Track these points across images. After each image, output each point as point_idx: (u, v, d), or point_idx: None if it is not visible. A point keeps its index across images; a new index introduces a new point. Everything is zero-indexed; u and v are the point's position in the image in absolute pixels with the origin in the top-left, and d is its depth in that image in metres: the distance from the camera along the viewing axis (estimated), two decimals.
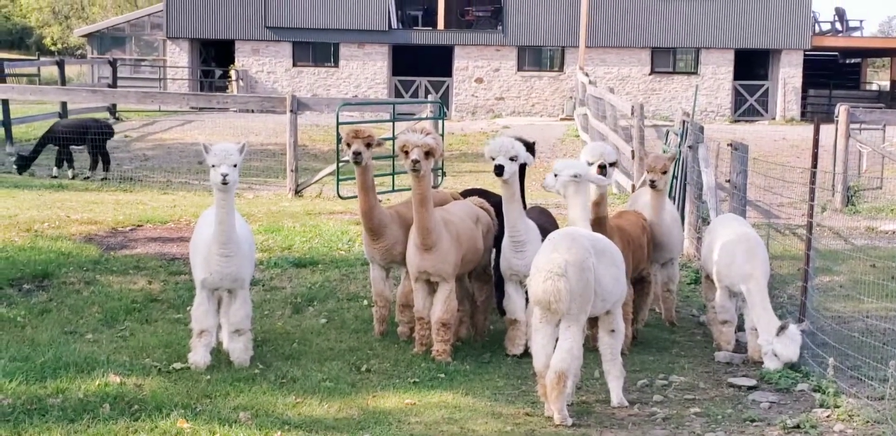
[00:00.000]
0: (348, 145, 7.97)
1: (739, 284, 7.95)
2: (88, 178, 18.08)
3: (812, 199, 7.88)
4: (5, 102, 22.48)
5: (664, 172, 8.71)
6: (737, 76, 34.86)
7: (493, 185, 16.07)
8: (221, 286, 7.37)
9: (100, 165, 18.38)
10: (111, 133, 19.47)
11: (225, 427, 6.05)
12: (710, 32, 34.32)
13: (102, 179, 17.93)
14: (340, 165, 15.45)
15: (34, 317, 8.64)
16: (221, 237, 7.17)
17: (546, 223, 8.35)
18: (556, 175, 7.25)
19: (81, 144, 18.54)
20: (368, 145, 7.92)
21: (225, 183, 7.01)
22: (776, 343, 7.49)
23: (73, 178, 18.03)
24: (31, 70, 34.42)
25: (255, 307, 8.12)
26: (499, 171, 7.46)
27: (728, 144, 10.90)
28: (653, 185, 8.69)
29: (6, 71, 25.47)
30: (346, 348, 8.06)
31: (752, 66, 35.61)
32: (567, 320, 6.40)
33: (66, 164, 18.44)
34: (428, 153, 7.57)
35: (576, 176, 7.17)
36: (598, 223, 7.90)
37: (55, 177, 17.93)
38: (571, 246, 6.43)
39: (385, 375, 7.44)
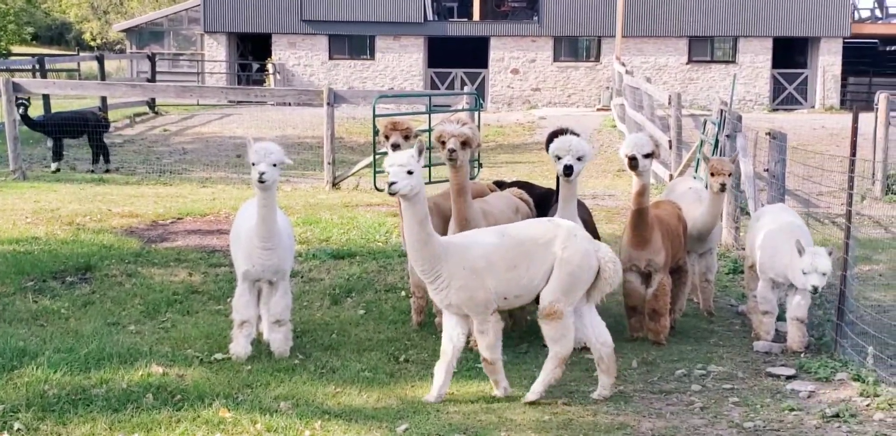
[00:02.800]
0: (386, 137, 8.00)
1: (786, 275, 7.89)
2: (93, 171, 18.06)
3: (851, 187, 7.82)
4: (46, 97, 22.76)
5: (730, 175, 8.66)
6: (775, 65, 34.56)
7: (528, 176, 16.09)
8: (262, 278, 7.45)
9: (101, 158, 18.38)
10: (107, 126, 19.57)
11: (266, 416, 6.13)
12: (748, 21, 34.02)
13: (106, 172, 18.00)
14: (377, 157, 15.52)
15: (77, 309, 8.78)
16: (263, 232, 7.24)
17: (584, 215, 8.34)
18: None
19: (76, 136, 18.58)
20: (406, 137, 7.95)
21: (262, 181, 7.05)
22: (804, 261, 7.51)
23: (57, 171, 17.75)
24: (71, 65, 34.79)
25: (294, 299, 8.20)
26: (568, 171, 7.33)
27: (766, 133, 10.85)
28: (723, 189, 8.62)
29: (46, 66, 25.76)
30: (385, 339, 8.12)
31: (791, 54, 35.28)
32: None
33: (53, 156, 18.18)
34: (465, 143, 7.59)
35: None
36: (640, 214, 7.90)
37: (56, 171, 17.75)
38: None
39: (423, 365, 7.48)
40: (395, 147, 7.88)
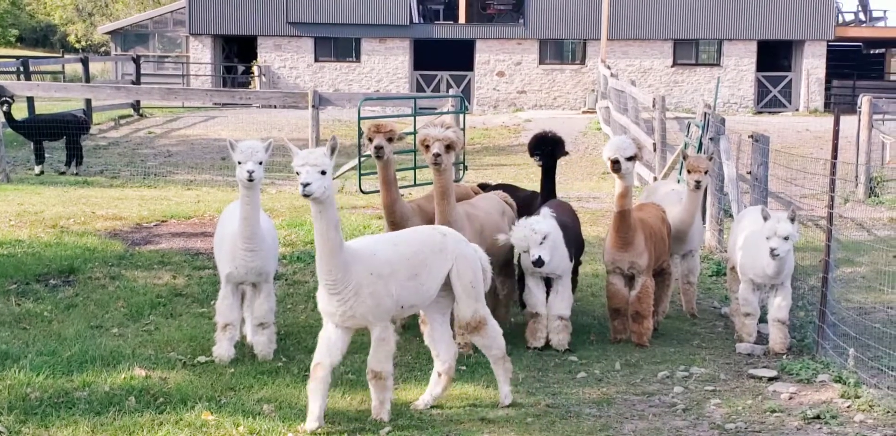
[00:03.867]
0: (370, 140, 8.00)
1: (766, 275, 7.92)
2: (64, 173, 17.88)
3: (833, 190, 7.86)
4: (30, 100, 22.69)
5: (706, 172, 8.77)
6: (760, 67, 34.71)
7: (514, 178, 16.12)
8: (246, 280, 7.45)
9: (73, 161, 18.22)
10: (87, 128, 19.54)
11: (249, 419, 6.12)
12: (732, 24, 34.17)
13: (74, 175, 17.82)
14: (362, 159, 15.51)
15: (60, 312, 8.74)
16: (246, 232, 7.25)
17: (565, 218, 8.35)
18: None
19: (56, 138, 18.47)
20: (390, 140, 7.94)
21: (251, 180, 7.09)
22: (766, 226, 7.65)
23: (41, 174, 17.61)
24: (56, 67, 34.67)
25: (278, 301, 8.18)
26: (539, 265, 7.68)
27: (749, 136, 10.88)
28: (698, 186, 8.72)
29: (31, 68, 25.67)
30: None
31: (776, 57, 35.44)
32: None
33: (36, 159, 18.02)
34: (449, 147, 7.60)
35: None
36: (623, 216, 7.94)
37: (40, 173, 17.58)
38: None
39: (407, 367, 7.50)
40: (379, 149, 7.88)
